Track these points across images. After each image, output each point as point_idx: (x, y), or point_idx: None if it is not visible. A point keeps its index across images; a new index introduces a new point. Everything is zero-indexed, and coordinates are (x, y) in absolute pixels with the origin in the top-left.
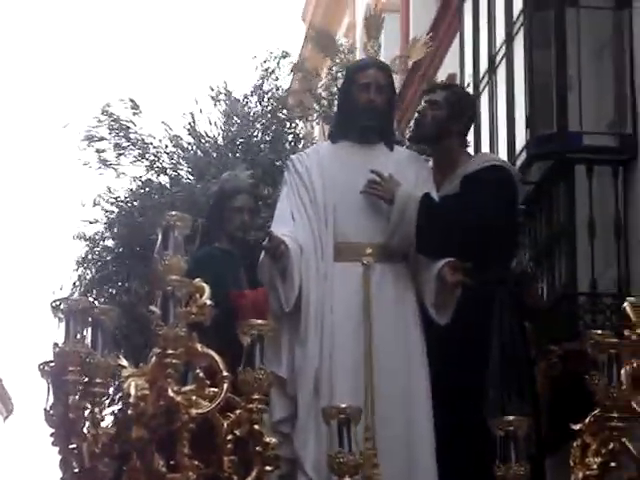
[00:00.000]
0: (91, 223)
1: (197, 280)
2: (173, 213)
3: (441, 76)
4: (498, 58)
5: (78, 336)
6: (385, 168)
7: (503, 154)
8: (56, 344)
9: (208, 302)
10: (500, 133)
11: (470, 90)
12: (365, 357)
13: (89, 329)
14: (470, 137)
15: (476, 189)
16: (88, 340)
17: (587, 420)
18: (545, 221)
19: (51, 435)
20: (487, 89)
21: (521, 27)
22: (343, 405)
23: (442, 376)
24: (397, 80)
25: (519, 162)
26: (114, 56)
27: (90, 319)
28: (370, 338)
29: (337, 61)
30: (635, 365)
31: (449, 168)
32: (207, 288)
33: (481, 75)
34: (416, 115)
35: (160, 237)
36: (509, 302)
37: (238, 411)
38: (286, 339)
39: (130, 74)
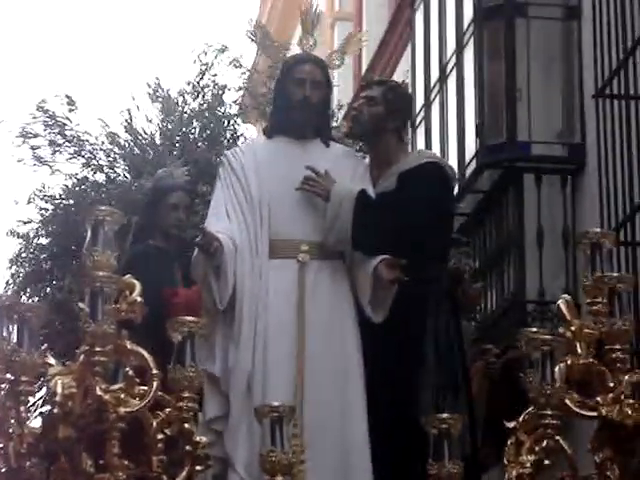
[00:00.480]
0: (25, 223)
1: (127, 277)
2: (103, 208)
3: None
4: (449, 68)
5: (4, 333)
6: (321, 164)
7: (453, 162)
8: None
9: (138, 299)
10: (450, 142)
11: (422, 99)
12: (297, 356)
13: (15, 326)
14: (421, 145)
15: (412, 186)
16: (14, 337)
17: (521, 418)
18: (494, 229)
19: None
20: (438, 98)
21: (471, 37)
22: (276, 403)
23: (378, 374)
24: (333, 76)
25: (469, 171)
26: (49, 52)
27: (16, 316)
28: (303, 337)
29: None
30: (569, 362)
31: (385, 165)
32: (138, 285)
33: (432, 84)
34: (352, 111)
35: (89, 232)
36: (444, 300)
37: (168, 410)
38: (220, 337)
39: (66, 70)
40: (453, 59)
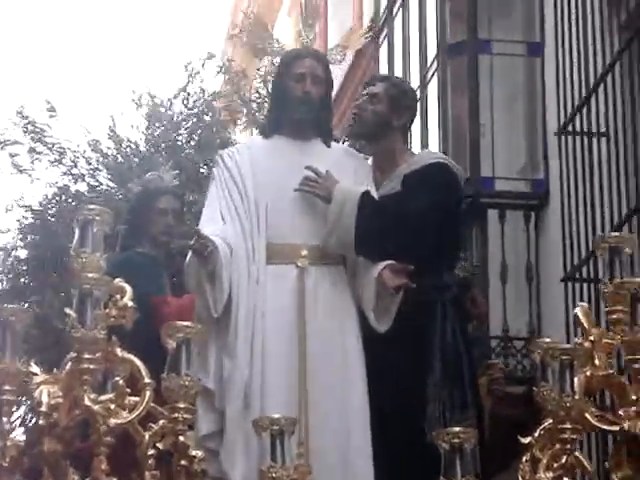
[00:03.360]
0: (2, 233)
1: (117, 280)
2: (92, 206)
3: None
4: None
5: None
6: (322, 164)
7: None
8: None
9: (130, 303)
10: None
11: None
12: (299, 368)
13: None
14: None
15: (418, 187)
16: None
17: (537, 433)
18: (458, 265)
19: None
20: None
21: (435, 73)
22: (276, 416)
23: (383, 386)
24: (334, 72)
25: None
26: (30, 57)
27: None
28: (304, 347)
29: (267, 60)
30: (589, 374)
31: (390, 166)
32: (129, 289)
33: None
34: (355, 109)
35: (77, 232)
36: (451, 308)
37: (162, 421)
38: (213, 348)
39: (47, 76)
40: (417, 94)
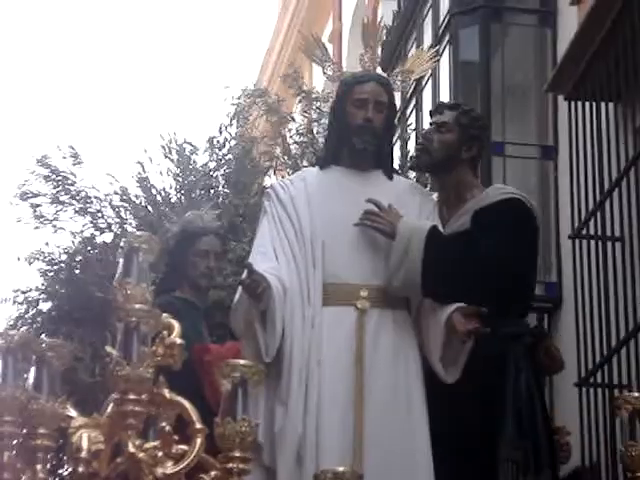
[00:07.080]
0: (24, 293)
1: (165, 316)
2: (138, 234)
3: None
4: None
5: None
6: (383, 198)
7: None
8: None
9: (178, 341)
10: None
11: None
12: (356, 419)
13: (32, 369)
14: None
15: (491, 225)
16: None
17: None
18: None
19: None
20: None
21: None
22: (340, 469)
23: (450, 443)
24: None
25: None
26: (52, 101)
27: (34, 356)
28: (363, 398)
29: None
30: None
31: (458, 201)
32: (177, 325)
33: None
34: (420, 139)
35: (122, 261)
36: (526, 360)
37: (213, 472)
38: (265, 396)
39: (71, 123)
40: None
